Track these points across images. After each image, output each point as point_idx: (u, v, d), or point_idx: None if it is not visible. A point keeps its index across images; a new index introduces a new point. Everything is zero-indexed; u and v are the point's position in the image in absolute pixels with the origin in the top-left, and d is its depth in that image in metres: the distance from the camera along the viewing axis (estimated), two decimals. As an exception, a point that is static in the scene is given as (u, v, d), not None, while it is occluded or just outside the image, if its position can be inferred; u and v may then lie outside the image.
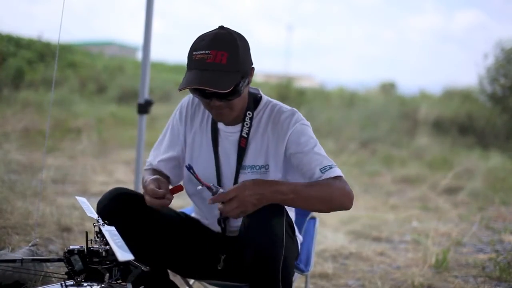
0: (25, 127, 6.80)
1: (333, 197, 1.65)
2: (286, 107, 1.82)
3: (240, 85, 1.64)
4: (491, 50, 9.25)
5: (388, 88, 15.77)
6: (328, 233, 3.89)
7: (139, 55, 5.30)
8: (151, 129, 7.92)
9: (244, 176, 1.78)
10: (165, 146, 1.92)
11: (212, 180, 1.82)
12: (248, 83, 1.71)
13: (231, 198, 1.55)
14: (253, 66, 1.72)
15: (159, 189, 1.67)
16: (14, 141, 5.45)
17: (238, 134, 1.80)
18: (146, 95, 3.10)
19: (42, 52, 10.56)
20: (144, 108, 3.08)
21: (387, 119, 9.91)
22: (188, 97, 1.93)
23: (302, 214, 2.25)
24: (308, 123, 1.80)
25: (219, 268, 1.83)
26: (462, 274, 2.97)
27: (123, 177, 5.37)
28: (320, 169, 1.68)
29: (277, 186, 1.60)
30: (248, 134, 1.79)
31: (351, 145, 8.01)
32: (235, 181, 1.80)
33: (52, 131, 6.76)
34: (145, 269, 1.52)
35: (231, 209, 1.55)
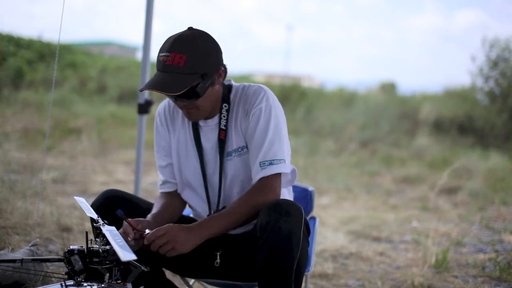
0: (25, 127, 6.80)
1: (256, 207, 1.69)
2: (255, 84, 1.86)
3: (199, 86, 1.67)
4: (483, 49, 9.22)
5: (388, 88, 15.76)
6: (328, 233, 3.89)
7: (139, 55, 5.30)
8: (151, 129, 7.89)
9: (231, 163, 1.84)
10: (162, 156, 1.96)
11: (199, 176, 1.87)
12: (213, 83, 1.74)
13: (162, 234, 1.57)
14: (222, 66, 1.75)
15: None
16: (14, 141, 5.45)
17: (217, 127, 1.85)
18: (146, 95, 3.10)
19: (42, 52, 10.55)
20: (144, 108, 3.08)
21: (387, 119, 9.91)
22: (163, 103, 1.97)
23: (302, 214, 2.24)
24: (276, 102, 1.81)
25: (216, 265, 1.84)
26: (462, 274, 2.97)
27: (123, 177, 5.37)
28: (260, 163, 1.74)
29: (203, 223, 1.67)
30: (226, 125, 1.83)
31: (351, 145, 8.02)
32: (220, 173, 1.85)
33: (52, 131, 6.75)
34: (145, 269, 1.52)
35: (161, 243, 1.57)
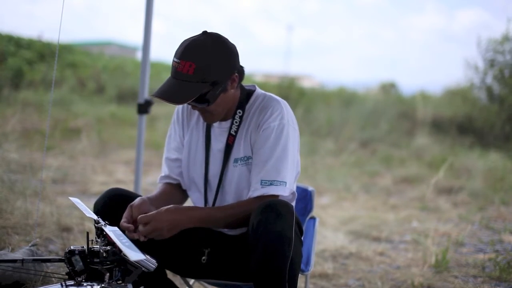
0: (25, 127, 6.79)
1: (248, 215, 1.68)
2: (276, 97, 1.85)
3: (209, 94, 1.67)
4: (478, 49, 9.18)
5: (388, 88, 15.76)
6: (328, 233, 3.89)
7: (139, 55, 5.30)
8: (151, 129, 7.93)
9: (236, 170, 1.83)
10: (172, 149, 1.97)
11: (202, 175, 1.89)
12: (226, 89, 1.73)
13: (147, 222, 1.61)
14: (235, 72, 1.74)
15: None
16: (14, 141, 5.44)
17: (228, 131, 1.85)
18: (146, 95, 3.10)
19: (42, 52, 10.55)
20: (144, 108, 3.09)
21: (387, 119, 9.90)
22: None
23: (302, 213, 2.25)
24: (290, 121, 1.80)
25: (203, 261, 1.84)
26: (462, 274, 2.97)
27: (123, 177, 5.37)
28: (261, 181, 1.74)
29: (192, 212, 1.69)
30: (236, 131, 1.84)
31: (351, 145, 8.01)
32: (221, 177, 1.86)
33: (52, 131, 6.75)
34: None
35: (146, 232, 1.61)
